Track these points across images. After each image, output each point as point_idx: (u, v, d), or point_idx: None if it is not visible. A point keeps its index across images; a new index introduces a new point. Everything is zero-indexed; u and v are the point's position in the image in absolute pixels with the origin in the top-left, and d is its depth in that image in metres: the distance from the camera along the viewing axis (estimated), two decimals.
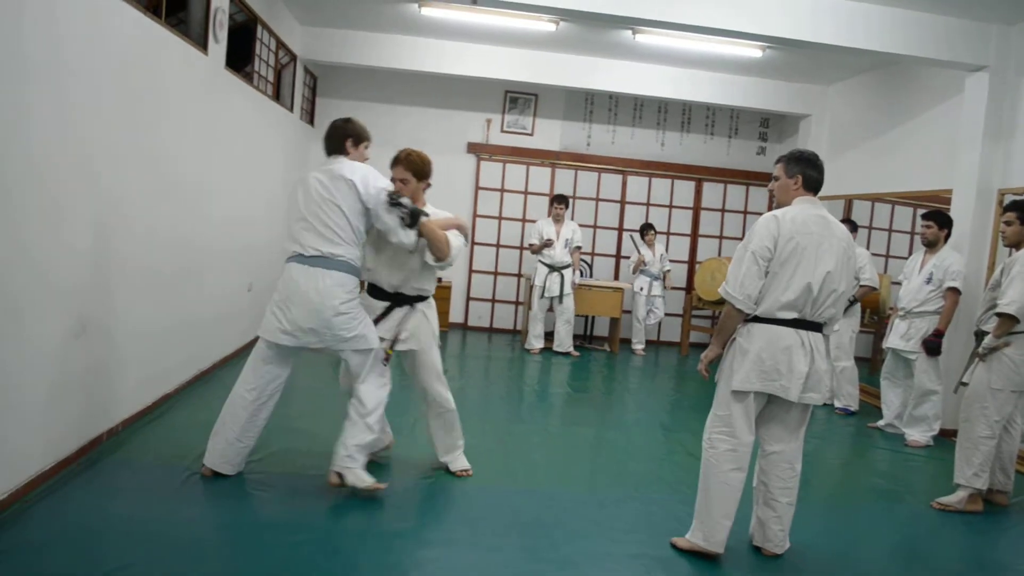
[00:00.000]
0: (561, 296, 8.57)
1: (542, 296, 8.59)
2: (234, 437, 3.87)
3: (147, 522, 3.34)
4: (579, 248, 8.81)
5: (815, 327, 3.35)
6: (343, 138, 3.89)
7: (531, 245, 8.78)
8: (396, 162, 3.96)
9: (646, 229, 9.37)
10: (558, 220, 8.68)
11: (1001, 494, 4.62)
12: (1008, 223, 4.51)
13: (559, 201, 8.72)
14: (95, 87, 3.82)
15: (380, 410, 3.94)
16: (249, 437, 3.92)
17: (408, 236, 3.76)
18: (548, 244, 8.57)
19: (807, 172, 3.44)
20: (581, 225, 9.24)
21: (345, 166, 3.77)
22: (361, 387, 3.87)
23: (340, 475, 3.83)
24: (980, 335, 4.53)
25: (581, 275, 9.22)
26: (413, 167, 3.95)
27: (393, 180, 3.93)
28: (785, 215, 3.33)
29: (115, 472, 3.88)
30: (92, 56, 3.77)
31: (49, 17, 3.37)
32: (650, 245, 9.29)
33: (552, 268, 8.57)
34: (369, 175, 3.78)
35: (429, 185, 4.07)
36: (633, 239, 9.46)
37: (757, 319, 3.34)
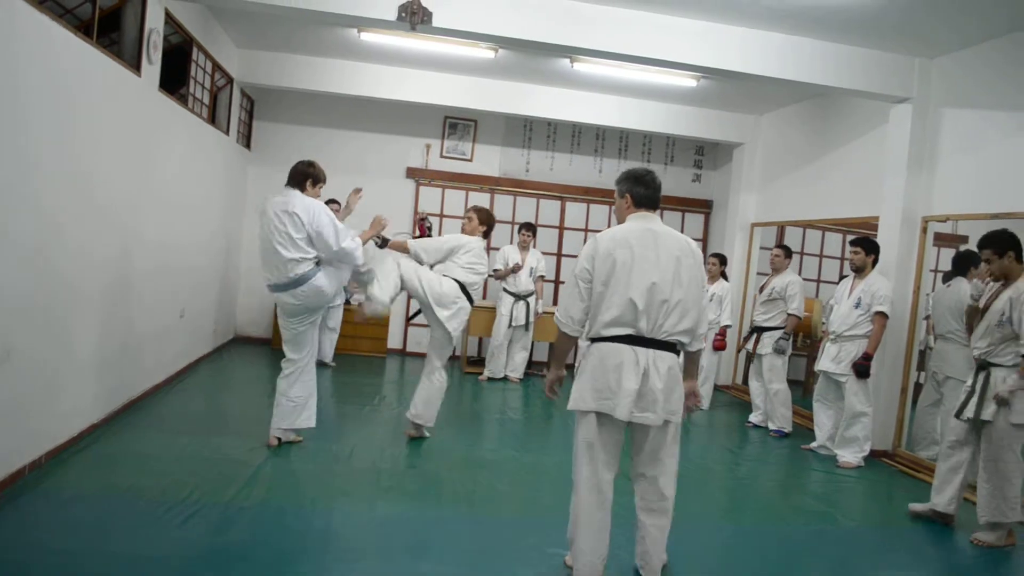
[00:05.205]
0: (527, 324, 8.49)
1: (510, 325, 8.44)
2: None
3: (70, 560, 3.20)
4: (542, 277, 8.70)
5: (662, 345, 3.28)
6: (304, 178, 4.79)
7: (496, 271, 8.45)
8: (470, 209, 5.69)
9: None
10: (524, 247, 8.52)
11: (947, 516, 4.69)
12: (988, 260, 4.49)
13: (526, 228, 8.56)
14: (22, 107, 3.70)
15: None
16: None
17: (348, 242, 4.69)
18: (516, 270, 8.36)
19: (634, 190, 3.46)
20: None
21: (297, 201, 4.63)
22: None
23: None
24: (984, 366, 4.50)
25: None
26: (478, 213, 5.61)
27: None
28: (606, 234, 3.36)
29: (37, 507, 3.71)
30: (20, 77, 3.66)
31: None
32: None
33: (517, 297, 8.43)
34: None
35: (487, 233, 5.60)
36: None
37: (596, 338, 3.34)
